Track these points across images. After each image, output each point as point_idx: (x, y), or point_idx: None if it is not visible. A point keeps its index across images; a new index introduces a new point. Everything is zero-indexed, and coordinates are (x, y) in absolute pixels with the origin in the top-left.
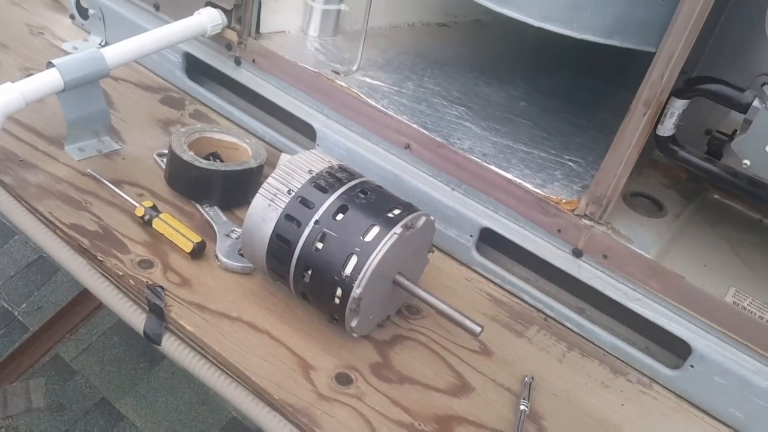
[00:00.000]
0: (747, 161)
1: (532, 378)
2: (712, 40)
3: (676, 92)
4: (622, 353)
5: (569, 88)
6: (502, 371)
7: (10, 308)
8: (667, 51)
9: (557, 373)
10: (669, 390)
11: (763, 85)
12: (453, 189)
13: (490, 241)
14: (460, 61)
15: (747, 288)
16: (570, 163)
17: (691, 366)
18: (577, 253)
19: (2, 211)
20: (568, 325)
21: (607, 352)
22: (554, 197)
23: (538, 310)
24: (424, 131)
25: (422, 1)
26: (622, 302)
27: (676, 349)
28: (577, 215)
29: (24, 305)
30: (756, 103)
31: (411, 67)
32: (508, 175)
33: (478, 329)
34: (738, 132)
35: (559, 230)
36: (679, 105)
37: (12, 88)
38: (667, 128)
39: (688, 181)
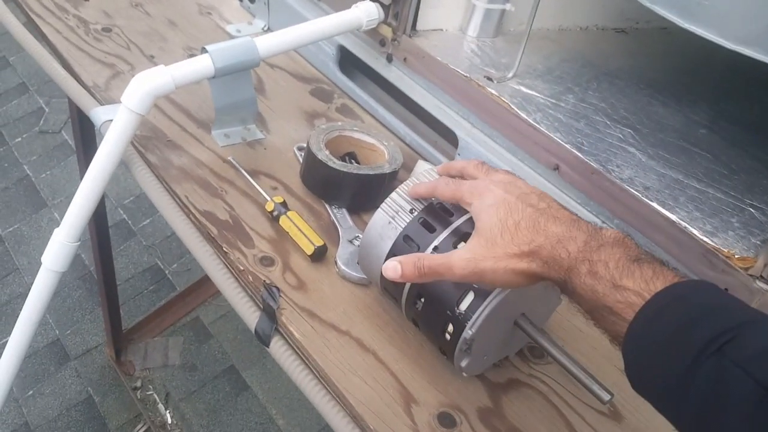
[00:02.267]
0: None
1: None
2: None
3: None
4: None
5: (762, 118)
6: None
7: (162, 266)
8: None
9: None
10: None
11: None
12: (603, 222)
13: None
14: (633, 75)
15: None
16: (751, 209)
17: None
18: None
19: (144, 188)
20: None
21: None
22: (725, 250)
23: None
24: (578, 153)
25: (599, 2)
26: None
27: None
28: (751, 275)
29: (175, 265)
30: None
31: (575, 77)
32: (673, 216)
33: (606, 396)
34: None
35: (726, 289)
36: None
37: (164, 71)
38: None
39: None
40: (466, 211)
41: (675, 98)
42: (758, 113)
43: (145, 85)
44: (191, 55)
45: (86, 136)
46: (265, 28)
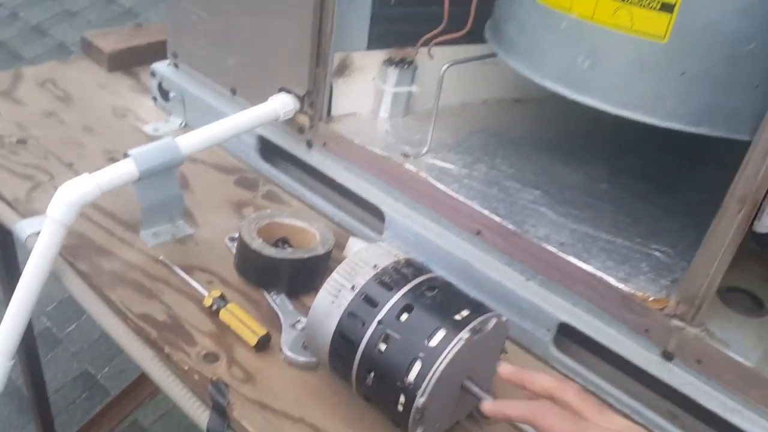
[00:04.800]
0: None
1: None
2: None
3: None
4: None
5: (655, 167)
6: None
7: (93, 372)
8: (762, 146)
9: None
10: None
11: None
12: (528, 279)
13: (570, 335)
14: (535, 140)
15: None
16: (657, 253)
17: None
18: (668, 356)
19: (77, 298)
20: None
21: None
22: (640, 294)
23: (625, 415)
24: (496, 218)
25: (495, 76)
26: (718, 413)
27: None
28: (666, 315)
29: (106, 369)
30: None
31: (483, 147)
32: (588, 268)
33: None
34: None
35: (646, 330)
36: None
37: (89, 179)
38: (765, 225)
39: None
40: (406, 283)
41: (575, 158)
42: (651, 164)
43: (70, 195)
44: (111, 159)
45: (7, 253)
46: (183, 125)
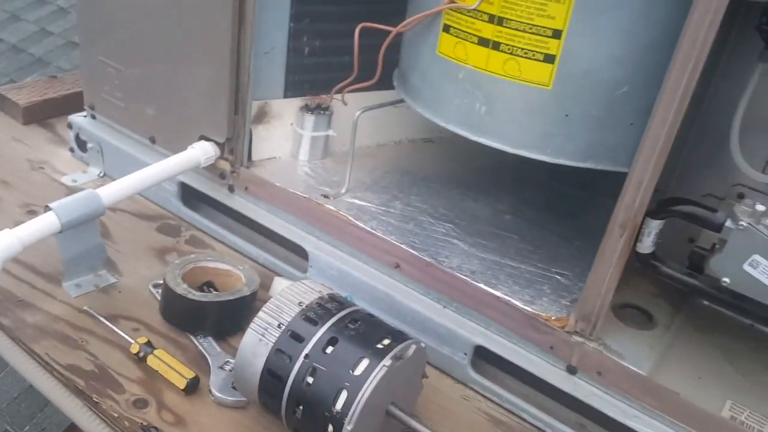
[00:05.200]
0: (726, 279)
1: None
2: (685, 151)
3: (650, 213)
4: None
5: (554, 198)
6: None
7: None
8: (637, 177)
9: None
10: None
11: (739, 195)
12: (444, 307)
13: (486, 357)
14: (445, 177)
15: (743, 400)
16: (557, 276)
17: None
18: (572, 370)
19: (0, 353)
20: None
21: None
22: (544, 314)
23: (539, 429)
24: (412, 251)
25: (408, 119)
26: (620, 420)
27: None
28: (567, 332)
29: (27, 427)
30: (729, 223)
31: (398, 185)
32: (497, 293)
33: None
34: (715, 249)
35: (551, 347)
36: (654, 225)
37: (10, 234)
38: (645, 246)
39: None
40: (330, 317)
41: (482, 192)
42: (551, 196)
43: None
44: (30, 212)
45: None
46: (102, 175)
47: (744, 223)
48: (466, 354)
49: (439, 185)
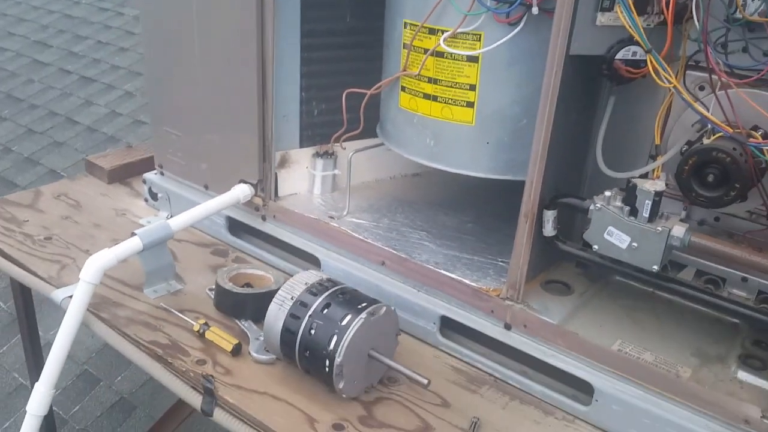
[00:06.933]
0: (596, 246)
1: (478, 419)
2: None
3: (546, 206)
4: (551, 398)
5: (508, 208)
6: (457, 417)
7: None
8: (529, 179)
9: (500, 416)
10: (586, 422)
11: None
12: (418, 291)
13: (449, 325)
14: (426, 200)
15: (630, 338)
16: (501, 263)
17: (596, 400)
18: (507, 327)
19: (102, 336)
20: (511, 382)
21: (540, 399)
22: (485, 287)
23: (490, 374)
24: (393, 251)
25: (399, 158)
26: (542, 359)
27: (585, 390)
28: (501, 298)
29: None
30: (591, 206)
31: (387, 208)
32: (454, 275)
33: (425, 381)
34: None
35: (492, 311)
36: (550, 214)
37: (108, 251)
38: (548, 231)
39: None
40: (326, 291)
41: (452, 209)
42: (508, 206)
43: (97, 262)
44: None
45: (28, 314)
46: (169, 216)
47: (599, 205)
48: (435, 323)
49: (420, 206)
